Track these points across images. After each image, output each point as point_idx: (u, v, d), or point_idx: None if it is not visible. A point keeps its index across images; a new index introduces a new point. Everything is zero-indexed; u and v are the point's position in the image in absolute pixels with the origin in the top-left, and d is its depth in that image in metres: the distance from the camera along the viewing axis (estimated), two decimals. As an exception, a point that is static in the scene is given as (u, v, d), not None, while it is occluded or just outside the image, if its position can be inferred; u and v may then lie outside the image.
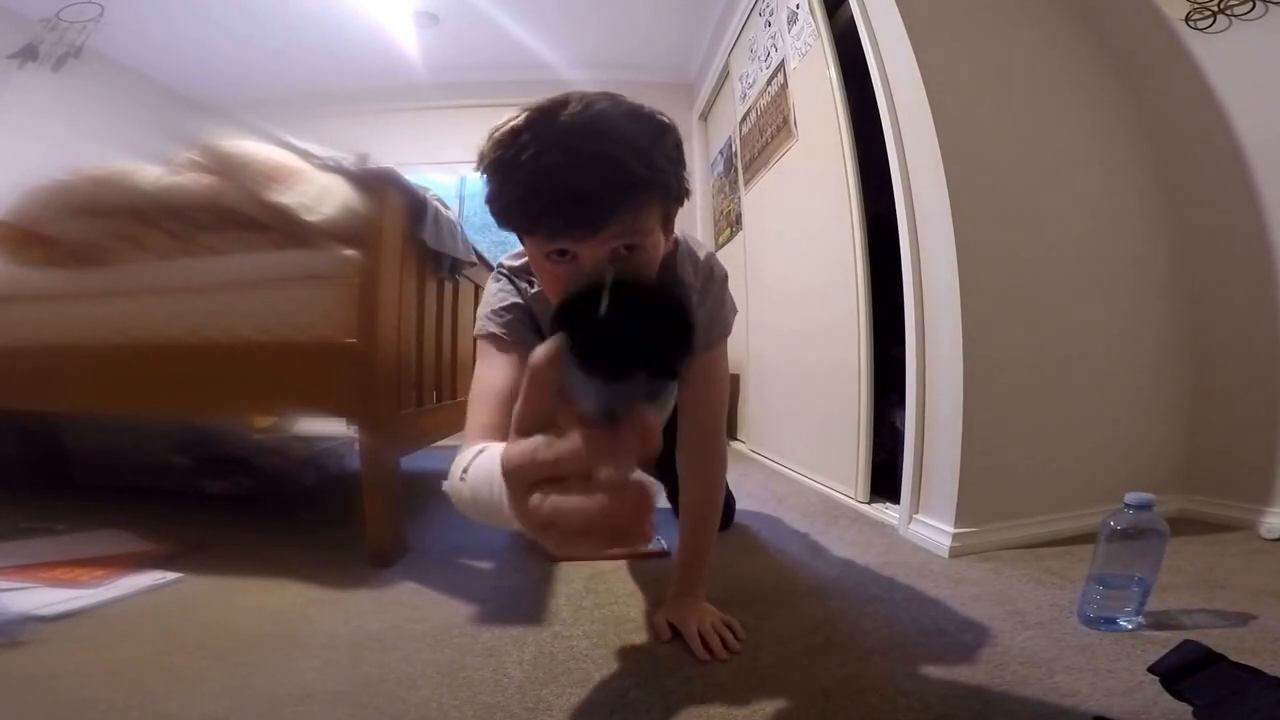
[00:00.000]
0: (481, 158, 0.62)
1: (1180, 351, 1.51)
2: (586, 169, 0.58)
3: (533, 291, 0.84)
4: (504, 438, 0.38)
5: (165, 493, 1.64)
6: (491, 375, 0.78)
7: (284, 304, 1.18)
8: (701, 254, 0.90)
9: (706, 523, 0.92)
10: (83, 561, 1.08)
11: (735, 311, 0.94)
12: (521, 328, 0.82)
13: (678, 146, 0.66)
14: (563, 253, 0.64)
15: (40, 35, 2.69)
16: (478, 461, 0.56)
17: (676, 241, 0.85)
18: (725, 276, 0.92)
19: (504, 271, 0.88)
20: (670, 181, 0.65)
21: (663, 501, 1.42)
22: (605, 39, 3.34)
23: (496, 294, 0.86)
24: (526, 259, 0.79)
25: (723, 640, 0.80)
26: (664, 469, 1.26)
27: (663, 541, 1.25)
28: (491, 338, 0.82)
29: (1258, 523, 1.32)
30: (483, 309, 0.85)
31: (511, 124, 0.60)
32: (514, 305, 0.83)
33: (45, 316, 1.30)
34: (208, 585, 1.03)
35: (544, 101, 0.60)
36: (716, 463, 0.93)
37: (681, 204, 0.71)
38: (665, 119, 0.65)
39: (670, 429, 0.94)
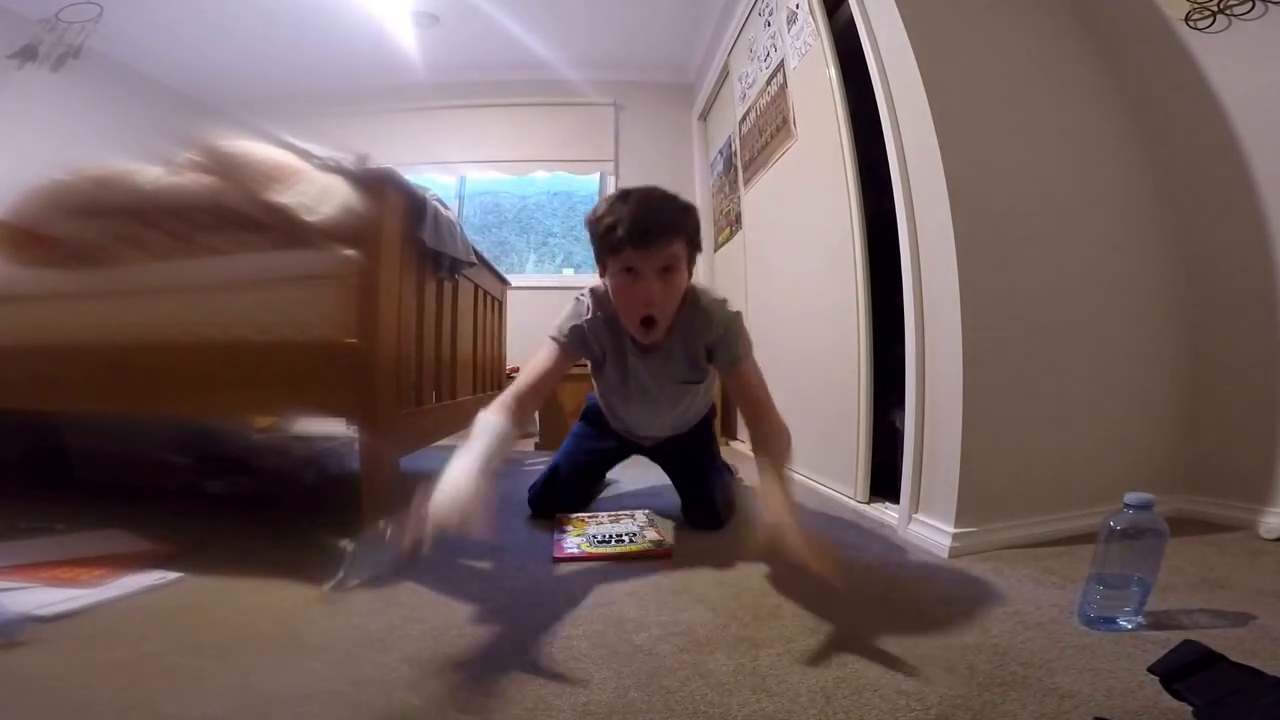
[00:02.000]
0: (596, 211, 1.15)
1: (1180, 352, 1.51)
2: (649, 220, 1.09)
3: (587, 317, 1.26)
4: (529, 398, 1.16)
5: (165, 492, 1.64)
6: (540, 361, 1.24)
7: (284, 304, 1.18)
8: (720, 305, 1.27)
9: (784, 463, 1.15)
10: (82, 561, 1.08)
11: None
12: (571, 343, 1.26)
13: (696, 220, 1.17)
14: (630, 270, 1.13)
15: (39, 35, 2.69)
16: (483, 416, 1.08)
17: (693, 286, 1.25)
18: (738, 314, 1.30)
19: (581, 296, 1.29)
20: (690, 233, 1.16)
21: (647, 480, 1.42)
22: (605, 39, 3.34)
23: (570, 315, 1.28)
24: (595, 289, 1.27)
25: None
26: (672, 458, 1.60)
27: (665, 541, 1.25)
28: (555, 340, 1.26)
29: (1258, 523, 1.32)
30: (559, 320, 1.28)
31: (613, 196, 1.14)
32: (575, 328, 1.26)
33: (45, 316, 1.30)
34: (208, 585, 1.02)
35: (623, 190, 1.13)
36: (779, 433, 1.24)
37: (698, 251, 1.20)
38: (689, 202, 1.17)
39: (687, 441, 1.54)
